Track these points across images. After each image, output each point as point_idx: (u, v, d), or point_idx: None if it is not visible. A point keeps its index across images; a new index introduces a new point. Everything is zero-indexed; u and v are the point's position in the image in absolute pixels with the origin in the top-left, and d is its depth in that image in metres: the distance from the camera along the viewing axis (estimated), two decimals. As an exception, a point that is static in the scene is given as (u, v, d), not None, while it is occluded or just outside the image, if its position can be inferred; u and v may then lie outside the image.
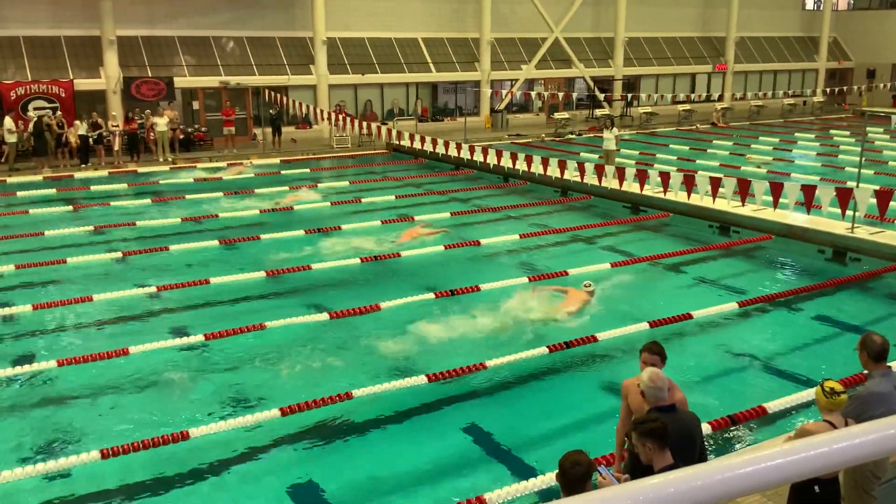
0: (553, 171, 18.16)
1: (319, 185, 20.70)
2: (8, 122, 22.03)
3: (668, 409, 4.78)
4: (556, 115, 31.79)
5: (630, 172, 16.96)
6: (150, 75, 25.63)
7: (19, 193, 19.28)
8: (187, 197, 18.69)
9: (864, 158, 15.14)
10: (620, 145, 22.14)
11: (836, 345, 9.77)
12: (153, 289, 11.62)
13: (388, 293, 11.24)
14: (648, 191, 16.83)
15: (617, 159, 20.73)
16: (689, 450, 4.73)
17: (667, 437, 4.25)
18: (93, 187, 20.14)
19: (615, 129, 20.74)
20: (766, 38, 41.23)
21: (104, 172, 22.05)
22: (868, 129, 21.61)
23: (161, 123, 23.91)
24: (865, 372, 5.47)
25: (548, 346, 9.15)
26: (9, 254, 13.61)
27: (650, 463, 4.27)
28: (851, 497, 5.28)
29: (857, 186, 13.62)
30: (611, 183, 16.88)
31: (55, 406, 8.17)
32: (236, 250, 14.20)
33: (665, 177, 16.08)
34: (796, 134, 30.00)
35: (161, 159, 23.78)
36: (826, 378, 4.96)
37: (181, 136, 25.26)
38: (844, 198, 13.19)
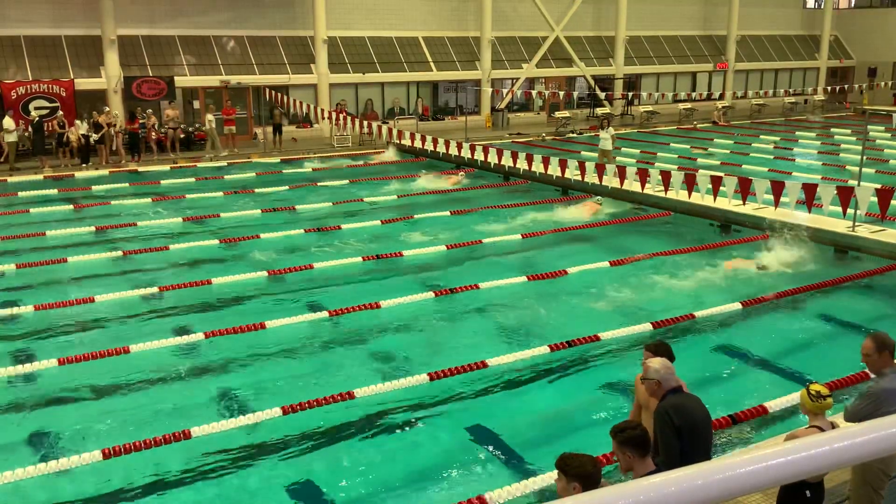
0: (554, 170, 18.14)
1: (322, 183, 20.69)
2: (7, 121, 22.04)
3: (679, 391, 4.89)
4: (557, 114, 31.76)
5: (631, 171, 16.94)
6: (150, 74, 25.64)
7: (20, 193, 19.28)
8: (188, 196, 18.70)
9: (865, 157, 15.12)
10: (619, 143, 22.04)
11: (838, 343, 9.77)
12: (155, 288, 11.62)
13: (391, 292, 11.26)
14: (649, 189, 16.81)
15: (618, 158, 20.67)
16: (707, 426, 4.86)
17: (648, 445, 4.13)
18: (94, 187, 20.14)
19: (611, 129, 20.65)
20: (767, 36, 41.18)
21: (105, 172, 22.06)
22: (869, 127, 21.60)
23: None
24: (867, 370, 5.46)
25: (549, 346, 9.15)
26: (10, 253, 13.62)
27: (630, 470, 4.13)
28: (859, 495, 5.25)
29: (859, 185, 13.60)
30: (612, 182, 16.86)
31: (56, 405, 8.18)
32: (252, 248, 14.19)
33: (666, 175, 16.06)
34: (797, 132, 29.96)
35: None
36: (811, 381, 4.95)
37: (182, 136, 25.29)
38: (846, 196, 13.17)
